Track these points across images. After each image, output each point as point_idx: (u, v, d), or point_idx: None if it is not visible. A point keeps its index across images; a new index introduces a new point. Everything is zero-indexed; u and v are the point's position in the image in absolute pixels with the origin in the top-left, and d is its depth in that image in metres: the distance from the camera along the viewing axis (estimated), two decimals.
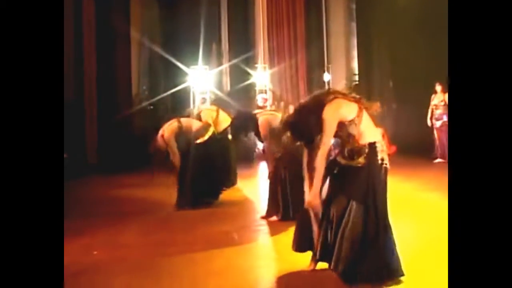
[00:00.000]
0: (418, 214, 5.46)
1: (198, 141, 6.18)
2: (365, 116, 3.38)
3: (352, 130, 3.32)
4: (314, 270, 3.53)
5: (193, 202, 6.06)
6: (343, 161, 3.39)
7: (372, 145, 3.38)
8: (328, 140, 3.30)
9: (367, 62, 11.91)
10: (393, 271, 3.29)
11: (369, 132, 3.40)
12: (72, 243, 4.49)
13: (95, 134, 10.21)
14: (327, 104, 3.27)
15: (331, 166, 3.45)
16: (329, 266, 3.33)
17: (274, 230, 4.93)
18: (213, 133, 6.29)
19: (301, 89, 11.78)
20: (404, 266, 3.35)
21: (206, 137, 6.17)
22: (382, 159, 3.39)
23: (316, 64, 12.21)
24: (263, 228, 5.08)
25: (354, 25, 12.05)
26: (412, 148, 10.79)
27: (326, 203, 3.41)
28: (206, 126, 6.27)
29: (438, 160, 10.06)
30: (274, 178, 5.39)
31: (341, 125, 3.30)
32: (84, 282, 3.63)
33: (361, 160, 3.34)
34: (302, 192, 4.94)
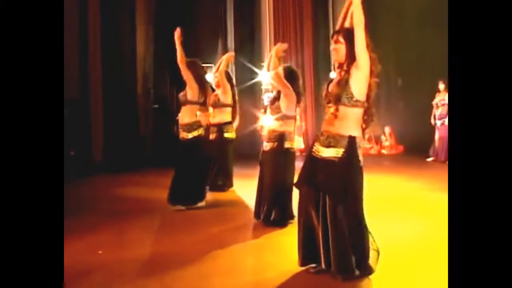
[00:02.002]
0: (424, 213, 5.44)
1: (182, 136, 6.02)
2: (354, 110, 3.36)
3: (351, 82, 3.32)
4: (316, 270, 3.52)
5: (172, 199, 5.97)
6: (321, 152, 3.38)
7: (352, 139, 3.34)
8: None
9: None
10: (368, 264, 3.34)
11: (352, 124, 3.37)
12: (76, 242, 4.48)
13: (100, 133, 10.19)
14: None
15: (309, 163, 3.48)
16: (320, 265, 3.40)
17: (276, 229, 4.89)
18: (200, 134, 6.07)
19: (307, 87, 11.71)
20: (410, 265, 3.45)
21: (190, 136, 5.98)
22: (358, 156, 3.36)
23: (323, 62, 12.13)
24: (267, 227, 5.03)
25: None
26: (420, 147, 10.75)
27: (314, 206, 3.41)
28: (197, 125, 6.10)
29: (431, 158, 10.17)
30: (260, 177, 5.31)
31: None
32: (88, 281, 3.60)
33: (339, 152, 3.31)
34: (284, 194, 4.97)
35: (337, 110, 3.34)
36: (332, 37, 3.48)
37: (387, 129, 12.06)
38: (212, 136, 7.12)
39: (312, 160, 3.47)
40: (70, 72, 9.14)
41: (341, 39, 3.38)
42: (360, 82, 3.32)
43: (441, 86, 9.98)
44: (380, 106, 11.50)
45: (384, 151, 12.02)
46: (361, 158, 3.36)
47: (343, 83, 3.34)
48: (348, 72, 3.35)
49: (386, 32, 11.58)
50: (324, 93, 3.47)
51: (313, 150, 3.47)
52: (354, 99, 3.31)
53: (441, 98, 9.95)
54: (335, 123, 3.37)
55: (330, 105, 3.41)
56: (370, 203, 3.52)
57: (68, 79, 8.99)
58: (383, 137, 12.18)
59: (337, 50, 3.40)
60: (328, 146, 3.37)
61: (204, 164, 6.24)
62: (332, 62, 11.74)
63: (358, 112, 3.37)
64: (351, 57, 3.33)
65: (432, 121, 10.24)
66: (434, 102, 10.19)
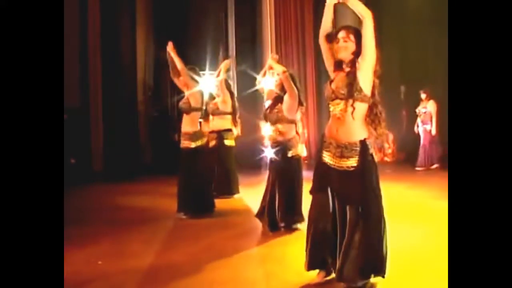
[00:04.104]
0: (428, 221, 5.40)
1: (186, 145, 5.97)
2: (361, 105, 3.30)
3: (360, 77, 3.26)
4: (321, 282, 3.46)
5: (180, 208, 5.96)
6: (334, 163, 3.30)
7: (363, 143, 3.29)
8: None
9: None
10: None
11: (358, 126, 3.30)
12: (76, 252, 4.44)
13: (100, 141, 10.15)
14: None
15: (322, 171, 3.39)
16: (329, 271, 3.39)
17: (280, 238, 4.85)
18: (203, 144, 6.03)
19: (309, 94, 11.67)
20: (414, 272, 3.50)
21: (193, 145, 5.94)
22: (372, 155, 3.32)
23: (325, 69, 12.08)
24: (269, 236, 4.98)
25: None
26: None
27: (328, 213, 3.34)
28: (200, 134, 6.06)
29: (418, 168, 10.29)
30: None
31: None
32: None
33: (354, 162, 3.25)
34: (294, 201, 4.97)
35: (346, 106, 3.25)
36: (337, 34, 3.37)
37: (390, 136, 12.04)
38: (211, 143, 7.10)
39: (326, 169, 3.37)
40: (70, 80, 9.12)
41: (351, 37, 3.31)
42: (367, 75, 3.27)
43: (423, 95, 10.38)
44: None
45: (387, 159, 11.97)
46: (375, 156, 3.33)
47: (351, 77, 3.27)
48: (354, 66, 3.30)
49: (389, 40, 11.54)
50: (329, 91, 3.37)
51: (325, 159, 3.37)
52: (363, 93, 3.25)
53: (423, 106, 10.35)
54: (342, 129, 3.28)
55: (337, 101, 3.30)
56: None
57: (68, 87, 8.95)
58: (386, 145, 12.12)
59: (346, 48, 3.32)
60: (342, 156, 3.28)
61: (208, 173, 6.21)
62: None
63: (364, 109, 3.31)
64: (358, 53, 3.29)
65: (416, 129, 10.52)
66: (417, 110, 10.45)
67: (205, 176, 6.06)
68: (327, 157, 3.36)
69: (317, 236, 3.40)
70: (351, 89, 3.23)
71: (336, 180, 3.33)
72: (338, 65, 3.41)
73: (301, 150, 5.31)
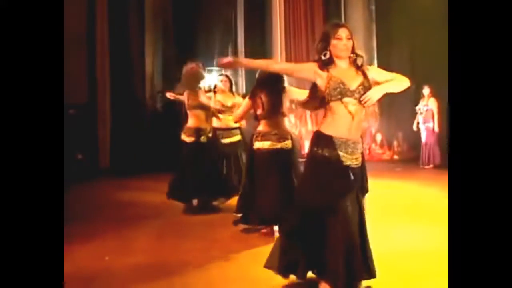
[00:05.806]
0: (439, 220, 5.27)
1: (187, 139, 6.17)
2: None
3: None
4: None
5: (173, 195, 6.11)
6: (351, 162, 3.19)
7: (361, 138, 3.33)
8: None
9: (387, 64, 11.70)
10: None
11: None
12: (82, 248, 4.44)
13: (107, 137, 10.17)
14: None
15: (345, 177, 3.20)
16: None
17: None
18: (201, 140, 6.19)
19: None
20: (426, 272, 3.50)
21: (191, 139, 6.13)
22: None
23: None
24: (277, 234, 4.92)
25: (373, 27, 11.93)
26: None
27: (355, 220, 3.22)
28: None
29: (430, 166, 10.07)
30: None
31: None
32: None
33: (360, 157, 3.26)
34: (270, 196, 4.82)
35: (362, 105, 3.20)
36: (335, 31, 3.21)
37: (399, 134, 11.97)
38: (237, 139, 7.04)
39: (347, 171, 3.20)
40: (78, 76, 9.14)
41: (350, 35, 3.23)
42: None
43: (426, 91, 10.07)
44: (392, 112, 11.37)
45: (396, 157, 11.91)
46: None
47: (367, 80, 3.21)
48: (359, 66, 3.23)
49: (400, 39, 11.45)
50: (343, 89, 3.17)
51: (345, 161, 3.19)
52: None
53: (424, 104, 10.06)
54: (355, 127, 3.19)
55: (353, 100, 3.16)
56: (385, 209, 3.42)
57: (76, 82, 8.98)
58: (395, 143, 12.06)
59: (349, 46, 3.22)
60: (355, 153, 3.21)
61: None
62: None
63: None
64: (353, 49, 3.24)
65: (415, 127, 10.26)
66: (417, 108, 10.19)
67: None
68: (344, 158, 3.18)
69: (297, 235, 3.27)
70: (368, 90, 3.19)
71: (356, 177, 3.24)
72: (330, 61, 3.25)
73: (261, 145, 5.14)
